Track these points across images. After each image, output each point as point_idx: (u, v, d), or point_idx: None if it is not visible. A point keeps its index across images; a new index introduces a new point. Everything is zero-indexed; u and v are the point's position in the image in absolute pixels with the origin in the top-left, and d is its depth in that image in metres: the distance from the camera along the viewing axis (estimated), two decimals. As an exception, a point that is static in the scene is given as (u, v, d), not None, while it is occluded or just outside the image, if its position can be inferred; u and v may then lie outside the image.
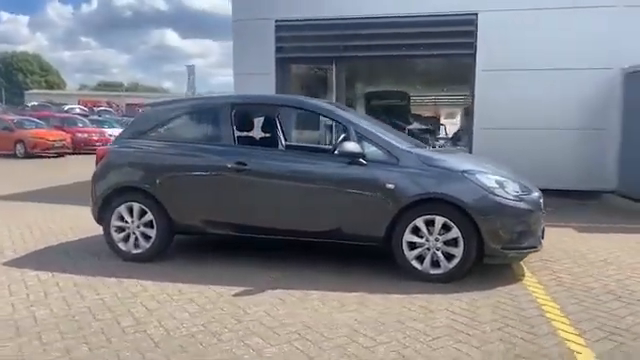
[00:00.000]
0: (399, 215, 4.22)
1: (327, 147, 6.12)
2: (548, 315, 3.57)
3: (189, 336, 3.20)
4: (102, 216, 4.94)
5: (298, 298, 3.86)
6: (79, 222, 6.32)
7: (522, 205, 4.20)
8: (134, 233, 4.82)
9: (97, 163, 5.08)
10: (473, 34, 9.52)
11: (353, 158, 4.30)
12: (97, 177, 5.01)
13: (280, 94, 6.38)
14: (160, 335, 3.21)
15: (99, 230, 5.07)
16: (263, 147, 5.11)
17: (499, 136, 9.26)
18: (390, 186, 4.21)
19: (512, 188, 4.24)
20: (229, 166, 4.54)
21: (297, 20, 10.23)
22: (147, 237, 4.80)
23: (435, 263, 4.22)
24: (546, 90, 9.31)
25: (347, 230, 4.38)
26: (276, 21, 10.27)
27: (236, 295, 3.94)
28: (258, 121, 5.34)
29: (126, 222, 4.84)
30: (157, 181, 4.72)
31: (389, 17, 9.77)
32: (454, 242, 4.17)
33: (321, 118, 8.45)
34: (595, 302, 3.81)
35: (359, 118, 4.76)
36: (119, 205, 4.84)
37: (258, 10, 10.43)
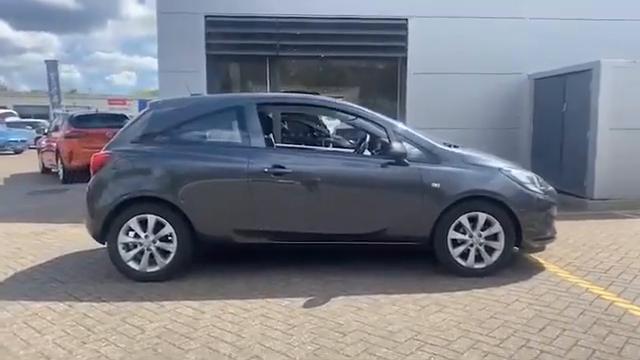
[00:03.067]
0: (443, 213, 4.31)
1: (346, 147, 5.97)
2: (594, 291, 3.96)
3: (314, 354, 2.94)
4: (105, 232, 4.28)
5: (371, 304, 3.75)
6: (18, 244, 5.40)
7: (548, 198, 4.55)
8: (149, 249, 4.26)
9: (94, 172, 4.39)
10: (405, 38, 9.99)
11: (399, 159, 4.29)
12: (97, 188, 4.33)
13: (307, 94, 6.02)
14: (291, 356, 2.90)
15: (59, 249, 4.40)
16: (297, 149, 4.84)
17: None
18: (436, 185, 4.28)
19: (538, 183, 4.56)
20: (266, 170, 4.23)
21: (229, 16, 9.83)
22: (165, 253, 4.28)
23: (477, 258, 4.38)
24: (469, 92, 10.12)
25: (393, 231, 4.35)
26: (206, 16, 9.74)
27: (307, 306, 3.70)
28: (286, 122, 5.03)
29: (138, 237, 4.26)
30: (179, 189, 4.22)
31: (323, 18, 9.83)
32: (494, 237, 4.37)
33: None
34: (616, 276, 4.31)
35: (392, 119, 4.74)
36: (129, 218, 4.24)
37: (186, 3, 9.81)
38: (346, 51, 10.21)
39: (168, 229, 4.25)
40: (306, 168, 4.32)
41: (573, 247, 5.38)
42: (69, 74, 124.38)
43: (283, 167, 4.25)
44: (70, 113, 14.07)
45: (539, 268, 4.68)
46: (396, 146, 4.24)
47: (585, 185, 8.27)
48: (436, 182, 4.29)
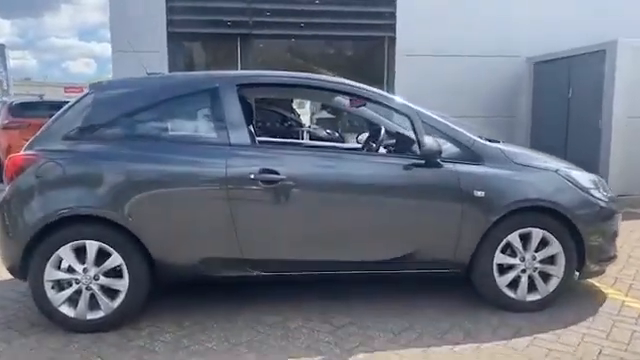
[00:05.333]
0: (489, 230, 3.26)
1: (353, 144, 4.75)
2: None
3: None
4: (26, 265, 3.05)
5: (426, 351, 2.68)
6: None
7: (614, 207, 3.55)
8: (89, 288, 3.06)
9: (9, 181, 3.13)
10: (393, 15, 8.90)
11: (431, 158, 3.20)
12: (15, 202, 3.07)
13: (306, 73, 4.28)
14: None
15: None
16: (293, 146, 3.64)
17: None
18: (479, 194, 3.21)
19: (602, 187, 3.56)
20: (252, 177, 3.07)
21: (193, -12, 8.52)
22: (112, 292, 3.08)
23: (530, 287, 3.36)
24: (460, 77, 9.12)
25: (422, 256, 3.27)
26: (167, -12, 8.41)
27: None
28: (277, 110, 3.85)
29: (73, 272, 3.05)
30: (130, 203, 3.02)
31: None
32: (551, 259, 3.36)
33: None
34: None
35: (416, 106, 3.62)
36: (59, 246, 3.01)
37: (143, -27, 8.43)
38: (327, 29, 9.06)
39: (116, 260, 3.05)
40: (307, 173, 3.18)
41: (623, 262, 4.42)
42: (23, 61, 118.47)
43: (275, 172, 3.10)
44: (10, 100, 12.38)
45: (597, 295, 3.71)
46: (428, 142, 3.14)
47: (597, 180, 7.39)
48: (479, 189, 3.22)
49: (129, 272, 3.07)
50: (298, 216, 3.17)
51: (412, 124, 3.30)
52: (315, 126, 12.63)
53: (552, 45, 8.57)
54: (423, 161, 3.23)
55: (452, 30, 8.83)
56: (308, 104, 14.88)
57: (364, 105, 3.81)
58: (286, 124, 11.53)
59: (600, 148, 7.52)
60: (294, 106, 13.70)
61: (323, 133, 12.23)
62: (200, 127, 3.36)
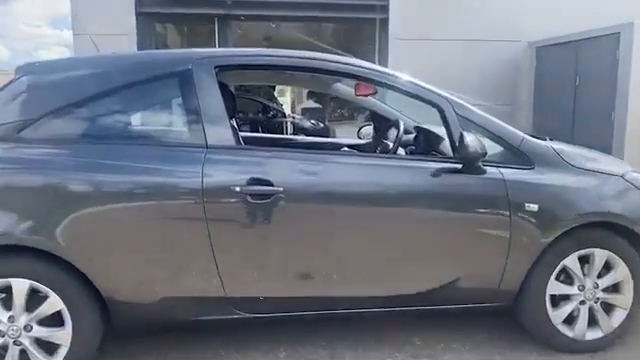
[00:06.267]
0: (543, 253, 2.55)
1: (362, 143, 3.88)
2: None
3: None
4: None
5: None
6: None
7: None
8: (18, 342, 2.26)
9: None
10: (386, -4, 8.13)
11: (472, 162, 2.46)
12: None
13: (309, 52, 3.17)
14: None
15: None
16: (288, 147, 2.82)
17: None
18: (532, 207, 2.49)
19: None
20: (238, 189, 2.28)
21: (164, -37, 7.61)
22: (50, 347, 2.29)
23: (590, 322, 2.67)
24: (459, 62, 8.44)
25: (460, 287, 2.54)
26: (134, -39, 7.48)
27: None
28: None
29: (-6, 321, 2.25)
30: (69, 228, 2.22)
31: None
32: (615, 287, 2.67)
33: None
34: None
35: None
36: (-28, 288, 2.21)
37: (107, -56, 7.47)
38: (312, 10, 8.24)
39: (54, 303, 2.26)
40: (311, 183, 2.41)
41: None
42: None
43: (269, 182, 2.32)
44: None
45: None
46: (470, 141, 2.39)
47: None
48: (532, 201, 2.49)
49: (73, 319, 2.27)
50: (300, 240, 2.41)
51: (444, 117, 2.56)
52: (299, 116, 11.80)
53: (556, 28, 7.92)
54: (459, 165, 2.49)
55: (448, 12, 8.12)
56: (289, 92, 14.00)
57: (375, 93, 3.04)
58: (268, 115, 10.69)
59: (613, 143, 6.89)
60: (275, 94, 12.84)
61: (307, 124, 11.43)
62: (167, 123, 2.57)
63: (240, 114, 9.49)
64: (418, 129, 3.06)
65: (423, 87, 2.63)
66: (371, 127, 4.00)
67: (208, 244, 2.30)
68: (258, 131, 9.15)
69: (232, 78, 3.16)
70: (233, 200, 2.29)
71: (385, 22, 8.26)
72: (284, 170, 2.38)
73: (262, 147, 2.53)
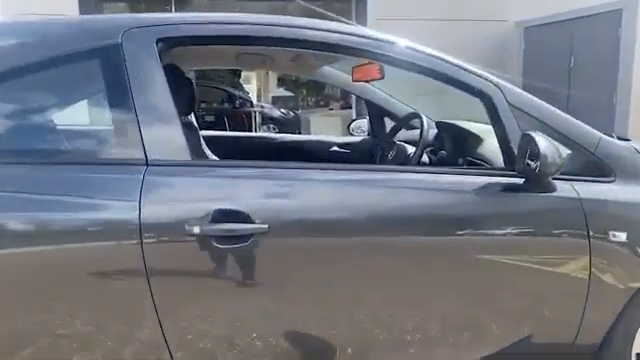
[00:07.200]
0: (633, 298, 1.82)
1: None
2: None
3: None
4: None
5: None
6: None
7: None
8: None
9: None
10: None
11: (544, 177, 1.68)
12: None
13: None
14: None
15: None
16: (277, 162, 1.86)
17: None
18: (619, 236, 1.75)
19: None
20: (197, 230, 1.45)
21: None
22: None
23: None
24: (442, 44, 7.73)
25: (525, 343, 1.78)
26: None
27: None
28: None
29: None
30: None
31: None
32: None
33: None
34: None
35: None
36: None
37: None
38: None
39: None
40: (310, 216, 1.58)
41: None
42: None
43: (245, 216, 1.49)
44: None
45: None
46: (545, 147, 1.61)
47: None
48: (618, 228, 1.75)
49: None
50: (296, 302, 1.61)
51: (493, 111, 1.79)
52: (269, 105, 10.95)
53: (545, 7, 7.32)
54: (519, 180, 1.73)
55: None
56: (254, 79, 12.99)
57: (381, 78, 2.22)
58: (234, 105, 9.80)
59: (614, 130, 6.33)
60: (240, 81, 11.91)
61: (277, 113, 10.61)
62: (85, 131, 1.70)
63: (203, 104, 8.59)
64: (442, 125, 2.29)
65: (457, 65, 1.84)
66: (364, 121, 3.25)
67: (152, 308, 1.48)
68: (223, 124, 8.29)
69: (187, 58, 2.29)
70: (189, 246, 1.47)
71: (363, 1, 7.50)
72: (268, 195, 1.57)
73: (233, 161, 1.69)
